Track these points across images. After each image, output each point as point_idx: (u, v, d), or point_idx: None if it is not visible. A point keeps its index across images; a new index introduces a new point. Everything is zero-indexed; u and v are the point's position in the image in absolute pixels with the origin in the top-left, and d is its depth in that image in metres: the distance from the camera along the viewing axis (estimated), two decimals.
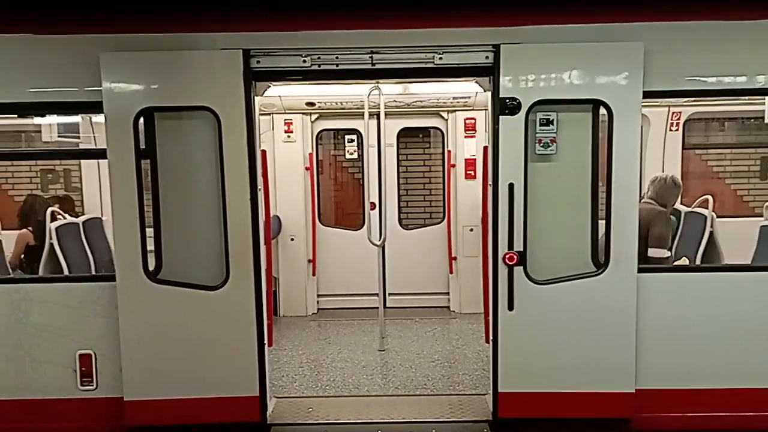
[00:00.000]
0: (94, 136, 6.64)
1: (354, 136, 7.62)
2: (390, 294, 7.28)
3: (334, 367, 5.45)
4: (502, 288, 3.86)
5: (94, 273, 5.67)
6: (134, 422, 3.95)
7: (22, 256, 5.89)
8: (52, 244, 5.32)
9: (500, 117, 3.76)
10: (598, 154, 3.85)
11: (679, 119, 6.92)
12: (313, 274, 7.35)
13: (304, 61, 3.85)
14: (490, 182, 3.95)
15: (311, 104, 6.87)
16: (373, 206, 6.23)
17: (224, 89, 3.77)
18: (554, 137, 3.83)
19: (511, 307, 3.85)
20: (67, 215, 5.93)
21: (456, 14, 3.80)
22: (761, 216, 5.95)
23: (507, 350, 3.93)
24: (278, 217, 7.03)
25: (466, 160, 7.12)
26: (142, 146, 3.83)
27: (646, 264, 4.13)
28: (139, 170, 3.80)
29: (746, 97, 4.83)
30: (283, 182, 7.08)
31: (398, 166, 7.63)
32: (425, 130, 7.95)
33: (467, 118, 7.08)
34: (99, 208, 6.88)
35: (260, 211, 3.99)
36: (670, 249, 5.16)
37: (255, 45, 3.80)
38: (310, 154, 7.24)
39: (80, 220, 6.04)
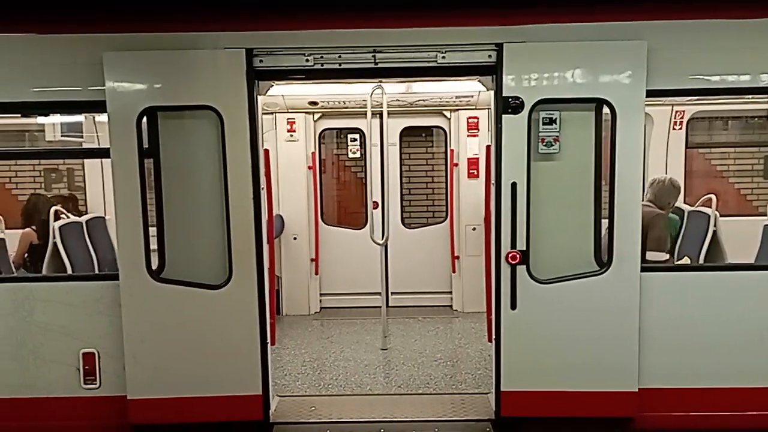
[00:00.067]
0: (98, 136, 6.65)
1: (357, 136, 7.62)
2: (392, 293, 7.27)
3: (337, 366, 5.46)
4: (504, 287, 3.86)
5: (97, 272, 5.69)
6: (137, 420, 3.96)
7: (26, 255, 5.90)
8: (55, 243, 5.34)
9: (503, 116, 3.76)
10: (601, 153, 3.84)
11: (682, 118, 6.90)
12: (316, 273, 7.36)
13: (307, 61, 3.85)
14: (492, 181, 3.95)
15: (314, 103, 6.87)
16: (375, 205, 6.23)
17: (227, 88, 3.77)
18: (557, 136, 3.82)
19: (513, 306, 3.85)
20: (70, 214, 5.95)
21: (459, 13, 3.79)
22: (765, 215, 5.93)
23: (510, 349, 3.93)
24: (281, 216, 7.04)
25: (468, 159, 7.12)
26: (145, 145, 3.83)
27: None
28: (142, 169, 3.81)
29: (750, 96, 4.81)
30: (285, 181, 7.09)
31: (401, 165, 7.62)
32: (428, 129, 7.95)
33: (470, 117, 7.08)
34: (102, 208, 6.90)
35: (263, 210, 4.00)
36: (671, 252, 5.16)
37: (258, 44, 3.80)
38: (313, 153, 7.25)
39: (83, 219, 6.06)
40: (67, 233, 5.49)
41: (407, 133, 7.55)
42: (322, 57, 3.85)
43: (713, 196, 5.15)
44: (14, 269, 5.66)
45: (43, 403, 4.03)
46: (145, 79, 3.77)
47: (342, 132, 7.89)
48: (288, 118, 7.08)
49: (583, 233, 3.89)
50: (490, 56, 3.81)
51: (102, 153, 4.10)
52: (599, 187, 3.86)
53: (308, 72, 3.91)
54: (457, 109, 7.09)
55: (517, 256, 3.81)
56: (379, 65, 3.87)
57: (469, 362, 5.50)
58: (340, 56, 3.85)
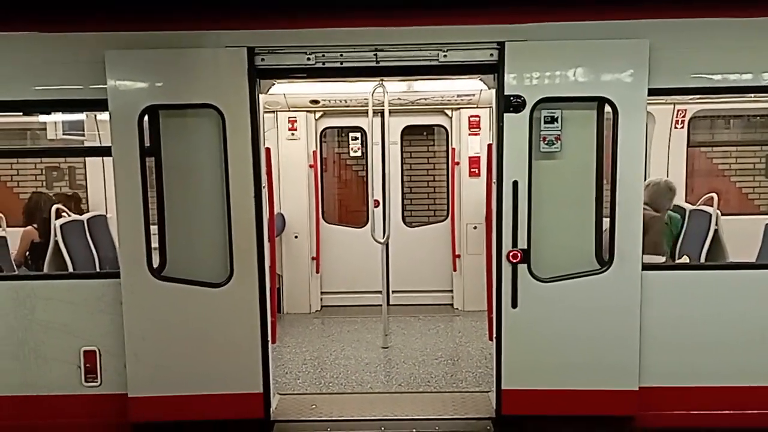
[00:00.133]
0: (99, 134, 6.65)
1: (358, 134, 7.61)
2: (393, 291, 7.26)
3: (338, 364, 5.46)
4: (505, 285, 3.86)
5: (98, 270, 5.70)
6: (138, 419, 3.96)
7: (27, 253, 5.92)
8: (56, 242, 5.35)
9: (505, 114, 3.76)
10: (603, 152, 3.84)
11: (684, 117, 6.89)
12: (317, 272, 7.36)
13: (309, 59, 3.85)
14: (494, 180, 3.95)
15: (315, 102, 6.87)
16: (376, 204, 6.23)
17: (229, 87, 3.77)
18: (559, 135, 3.82)
19: (514, 305, 3.85)
20: (73, 213, 5.96)
21: (460, 12, 3.79)
22: (766, 214, 5.93)
23: (510, 348, 3.93)
24: (282, 214, 7.04)
25: (470, 157, 7.12)
26: (147, 144, 3.83)
27: None
28: (143, 168, 3.81)
29: (752, 95, 4.80)
30: (287, 180, 7.09)
31: (402, 163, 7.62)
32: (429, 128, 7.95)
33: (471, 116, 7.08)
34: (104, 206, 6.91)
35: (264, 209, 4.00)
36: (671, 255, 5.16)
37: (259, 43, 3.80)
38: (314, 152, 7.24)
39: (85, 217, 6.07)
40: (68, 231, 5.49)
41: (408, 131, 7.55)
42: (323, 55, 3.85)
43: (715, 195, 5.14)
44: (16, 267, 5.67)
45: (44, 401, 4.04)
46: (146, 78, 3.77)
47: (343, 130, 7.89)
48: (289, 117, 7.08)
49: (584, 232, 3.89)
50: (491, 55, 3.81)
51: (103, 151, 4.10)
52: (600, 186, 3.86)
53: (310, 70, 3.91)
54: (459, 108, 7.09)
55: (519, 254, 3.80)
56: (381, 64, 3.87)
57: (469, 360, 5.50)
58: (341, 55, 3.85)
